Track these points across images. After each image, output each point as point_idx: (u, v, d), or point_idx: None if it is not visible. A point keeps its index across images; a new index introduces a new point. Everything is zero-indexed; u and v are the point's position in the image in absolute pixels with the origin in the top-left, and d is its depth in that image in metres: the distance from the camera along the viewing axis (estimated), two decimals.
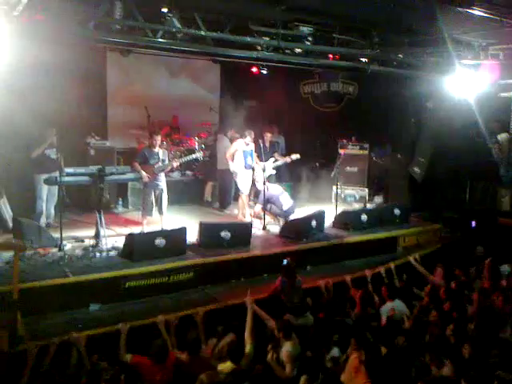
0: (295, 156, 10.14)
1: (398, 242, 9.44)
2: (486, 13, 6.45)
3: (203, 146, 11.42)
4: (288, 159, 10.16)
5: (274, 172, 10.08)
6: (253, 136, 9.43)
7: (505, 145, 10.25)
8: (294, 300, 6.34)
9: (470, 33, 8.07)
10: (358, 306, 6.07)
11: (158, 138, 8.38)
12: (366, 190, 11.69)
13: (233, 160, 9.47)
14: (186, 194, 10.86)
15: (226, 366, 4.71)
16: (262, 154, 9.48)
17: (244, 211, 9.66)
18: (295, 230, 8.70)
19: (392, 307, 5.96)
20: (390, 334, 5.17)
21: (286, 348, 5.00)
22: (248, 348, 5.01)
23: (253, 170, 9.55)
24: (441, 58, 9.07)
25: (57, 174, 7.50)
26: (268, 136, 10.24)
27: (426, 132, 11.15)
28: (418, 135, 11.34)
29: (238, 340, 5.02)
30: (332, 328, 5.41)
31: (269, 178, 9.73)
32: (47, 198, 8.45)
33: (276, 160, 10.07)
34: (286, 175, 11.20)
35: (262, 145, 9.63)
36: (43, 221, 8.31)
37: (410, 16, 7.23)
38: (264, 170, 9.40)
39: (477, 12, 6.40)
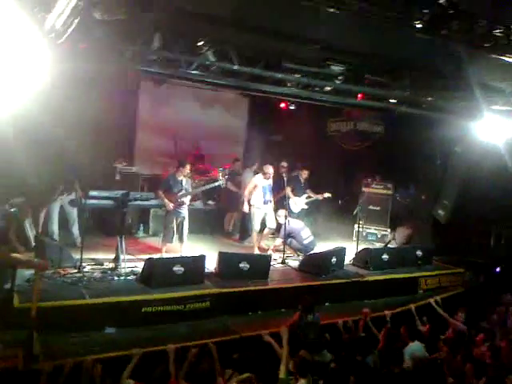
0: (327, 194, 10.36)
1: (419, 283, 9.26)
2: None
3: (226, 175, 11.48)
4: (320, 196, 10.34)
5: (306, 207, 10.24)
6: (272, 171, 9.40)
7: None
8: (309, 336, 6.20)
9: (502, 80, 8.02)
10: (381, 343, 5.93)
11: (186, 168, 8.50)
12: (388, 229, 11.56)
13: (250, 195, 9.43)
14: (206, 223, 10.90)
15: None
16: (298, 189, 9.90)
17: (255, 248, 9.41)
18: (315, 265, 8.60)
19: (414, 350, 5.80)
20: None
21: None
22: (282, 373, 4.91)
23: (285, 204, 9.51)
24: (470, 102, 8.96)
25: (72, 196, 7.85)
26: (305, 173, 10.42)
27: (452, 175, 11.03)
28: (443, 178, 11.23)
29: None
30: (351, 368, 5.27)
31: (299, 214, 10.07)
32: (72, 220, 8.63)
33: (309, 196, 10.22)
34: (308, 210, 11.18)
35: (286, 178, 9.68)
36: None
37: (443, 60, 7.20)
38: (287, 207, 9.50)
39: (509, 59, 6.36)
